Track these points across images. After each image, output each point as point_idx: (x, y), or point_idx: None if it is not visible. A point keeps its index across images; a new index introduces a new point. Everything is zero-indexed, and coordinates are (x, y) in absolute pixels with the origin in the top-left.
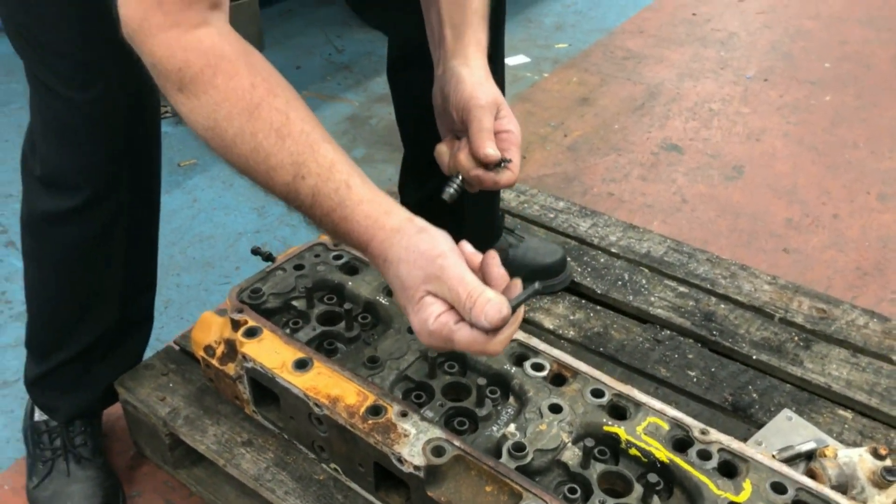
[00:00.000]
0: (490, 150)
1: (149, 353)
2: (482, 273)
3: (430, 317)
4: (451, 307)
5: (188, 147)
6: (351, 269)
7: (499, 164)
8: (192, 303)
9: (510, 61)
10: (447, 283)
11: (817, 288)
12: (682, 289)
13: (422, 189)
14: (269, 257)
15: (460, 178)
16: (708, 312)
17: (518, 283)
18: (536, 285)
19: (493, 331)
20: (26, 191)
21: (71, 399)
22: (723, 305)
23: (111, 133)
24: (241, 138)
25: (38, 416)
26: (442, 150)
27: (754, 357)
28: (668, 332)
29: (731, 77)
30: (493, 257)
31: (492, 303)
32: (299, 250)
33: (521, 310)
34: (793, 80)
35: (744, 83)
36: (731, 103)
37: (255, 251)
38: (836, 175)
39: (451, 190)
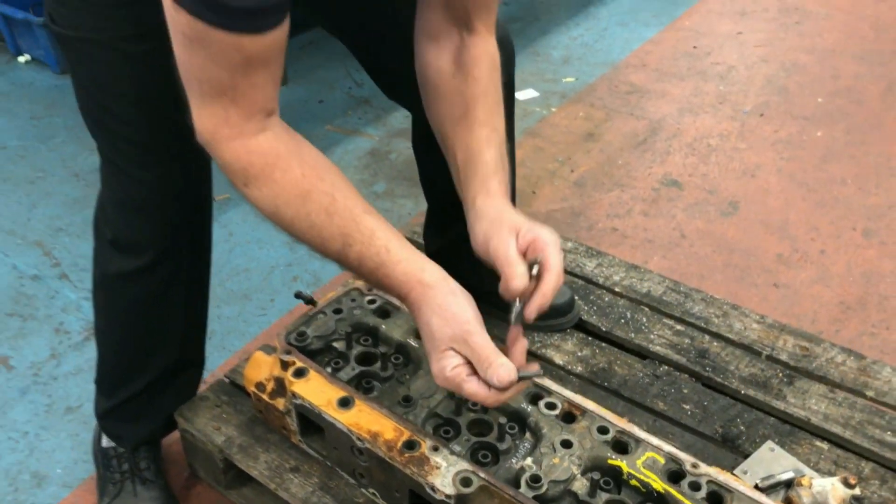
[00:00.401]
0: (514, 283)
1: None
2: (508, 344)
3: (448, 367)
4: (468, 362)
5: (221, 182)
6: (384, 312)
7: (537, 279)
8: (233, 333)
9: (520, 95)
10: (471, 347)
11: (804, 321)
12: (679, 327)
13: (444, 236)
14: (310, 301)
15: (521, 302)
16: (702, 350)
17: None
18: (541, 371)
19: (500, 390)
20: (98, 252)
21: (136, 429)
22: (715, 343)
23: (172, 205)
24: (298, 219)
25: (106, 442)
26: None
27: (742, 392)
28: (666, 367)
29: (729, 112)
30: (522, 343)
31: (504, 367)
32: (337, 295)
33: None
34: (787, 116)
35: (741, 118)
36: (729, 139)
37: (298, 295)
38: (824, 211)
39: (512, 315)
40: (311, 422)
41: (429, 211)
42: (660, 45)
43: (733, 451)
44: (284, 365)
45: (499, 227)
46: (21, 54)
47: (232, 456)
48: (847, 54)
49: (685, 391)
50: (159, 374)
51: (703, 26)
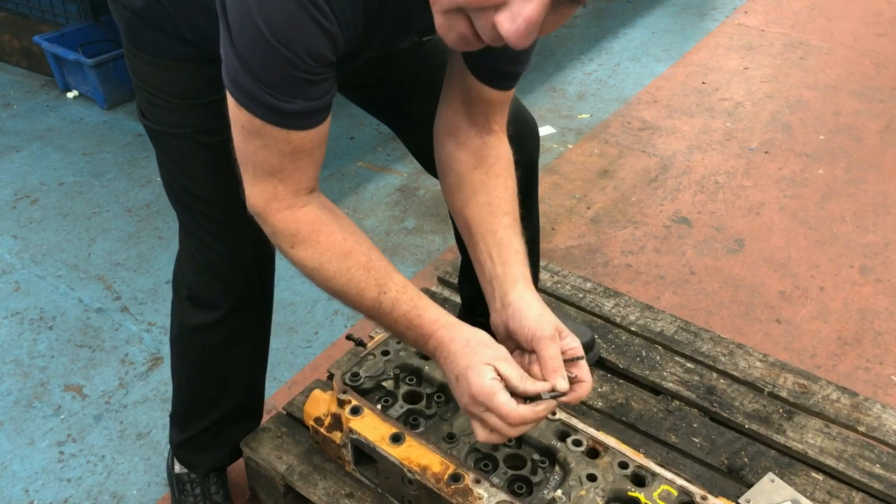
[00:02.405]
0: (562, 383)
1: None
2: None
3: (487, 377)
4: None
5: None
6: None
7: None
8: (282, 365)
9: (539, 132)
10: (511, 366)
11: (804, 356)
12: (689, 365)
13: (475, 286)
14: (360, 343)
15: (543, 398)
16: (710, 386)
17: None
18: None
19: (532, 401)
20: (175, 306)
21: (207, 457)
22: (722, 380)
23: (243, 270)
24: (339, 273)
25: (179, 468)
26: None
27: (747, 426)
28: (678, 402)
29: (735, 149)
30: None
31: (543, 383)
32: (384, 338)
33: (546, 407)
34: (790, 153)
35: (747, 155)
36: (735, 176)
37: (350, 337)
38: (824, 249)
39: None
40: (364, 453)
41: (463, 260)
42: (670, 80)
43: (738, 481)
44: (341, 403)
45: (542, 329)
46: (70, 90)
47: (294, 483)
48: (847, 91)
49: (695, 425)
50: (227, 411)
51: (711, 61)
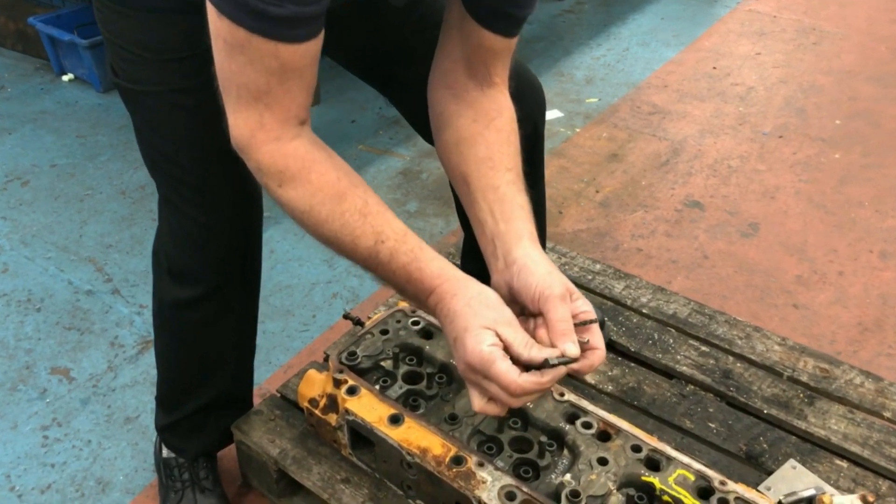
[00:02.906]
0: (569, 346)
1: None
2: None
3: (486, 341)
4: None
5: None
6: (427, 333)
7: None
8: (278, 348)
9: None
10: (514, 330)
11: (822, 342)
12: (703, 348)
13: (479, 262)
14: (357, 322)
15: (550, 364)
16: (726, 370)
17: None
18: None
19: (536, 370)
20: (156, 281)
21: (195, 441)
22: (739, 364)
23: (224, 243)
24: (332, 218)
25: (166, 452)
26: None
27: (765, 411)
28: (692, 387)
29: (748, 134)
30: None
31: (550, 349)
32: (383, 316)
33: (552, 377)
34: (805, 138)
35: (760, 140)
36: (749, 160)
37: (347, 316)
38: (842, 233)
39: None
40: (360, 436)
41: (466, 237)
42: (681, 65)
43: (757, 468)
44: (337, 383)
45: (550, 287)
46: (65, 73)
47: (287, 467)
48: (863, 76)
49: (711, 410)
50: (215, 394)
51: (722, 47)
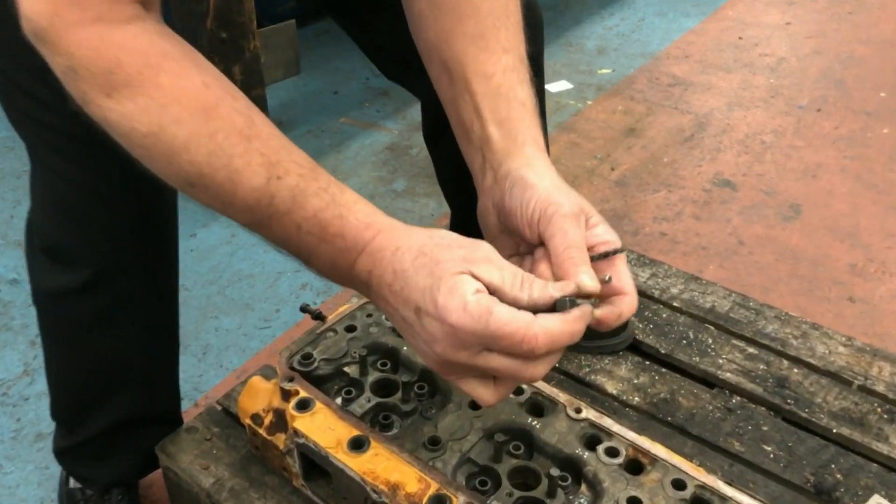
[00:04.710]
0: (584, 277)
1: (187, 405)
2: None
3: (467, 291)
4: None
5: None
6: None
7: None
8: (232, 349)
9: (552, 87)
10: (496, 264)
11: (889, 342)
12: (751, 350)
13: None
14: (318, 316)
15: (566, 301)
16: (780, 377)
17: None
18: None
19: (547, 311)
20: (30, 262)
21: (105, 469)
22: (796, 370)
23: (109, 210)
24: (195, 142)
25: (74, 482)
26: None
27: (834, 430)
28: (739, 398)
29: (782, 107)
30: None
31: (561, 283)
32: (351, 309)
33: (579, 318)
34: (847, 111)
35: (796, 113)
36: (784, 136)
37: (304, 309)
38: None
39: None
40: (317, 463)
41: (452, 216)
42: (702, 35)
43: None
44: (285, 394)
45: (556, 204)
46: None
47: (221, 502)
48: None
49: (765, 428)
50: (123, 413)
51: (748, 16)
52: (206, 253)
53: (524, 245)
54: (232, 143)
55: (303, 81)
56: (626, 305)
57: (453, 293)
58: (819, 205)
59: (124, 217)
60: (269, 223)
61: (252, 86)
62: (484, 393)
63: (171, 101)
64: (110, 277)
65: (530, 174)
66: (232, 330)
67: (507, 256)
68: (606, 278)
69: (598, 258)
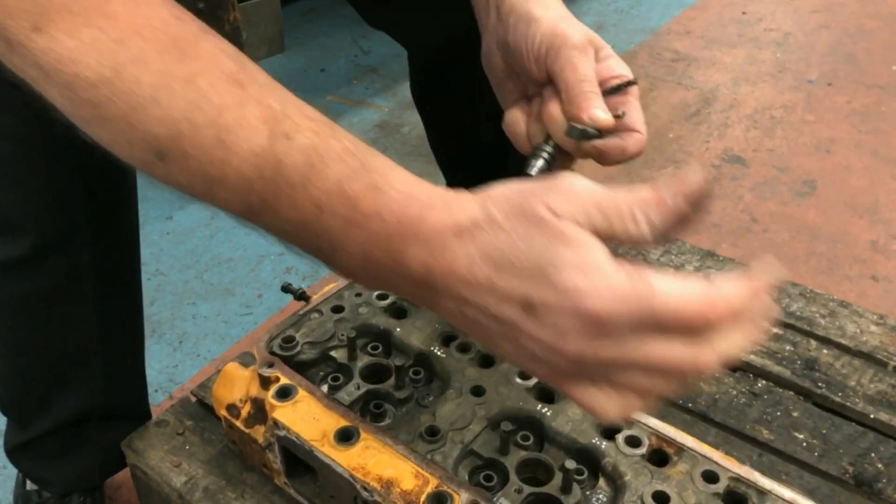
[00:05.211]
0: (597, 111)
1: (161, 397)
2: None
3: (607, 265)
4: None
5: None
6: (398, 311)
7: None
8: (210, 336)
9: None
10: (588, 202)
11: None
12: (776, 330)
13: None
14: (302, 296)
15: (552, 144)
16: (809, 359)
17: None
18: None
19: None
20: None
21: (64, 468)
22: (825, 350)
23: (50, 167)
24: (167, 89)
25: (31, 484)
26: (515, 118)
27: (872, 416)
28: (765, 382)
29: (791, 81)
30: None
31: (661, 185)
32: (338, 288)
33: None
34: (859, 85)
35: (806, 88)
36: (795, 110)
37: (286, 289)
38: None
39: (539, 162)
40: (301, 459)
41: (447, 185)
42: (704, 11)
43: (873, 497)
44: (264, 381)
45: (563, 36)
46: None
47: (193, 503)
48: None
49: (795, 414)
50: (80, 407)
51: None
52: (183, 236)
53: (532, 86)
54: (220, 91)
55: (288, 59)
56: (632, 141)
57: (587, 270)
58: (835, 180)
59: (70, 177)
60: (276, 203)
61: None
62: (613, 404)
63: (129, 33)
64: (56, 249)
65: (535, 7)
66: (211, 317)
67: (515, 101)
68: (620, 112)
69: (611, 92)
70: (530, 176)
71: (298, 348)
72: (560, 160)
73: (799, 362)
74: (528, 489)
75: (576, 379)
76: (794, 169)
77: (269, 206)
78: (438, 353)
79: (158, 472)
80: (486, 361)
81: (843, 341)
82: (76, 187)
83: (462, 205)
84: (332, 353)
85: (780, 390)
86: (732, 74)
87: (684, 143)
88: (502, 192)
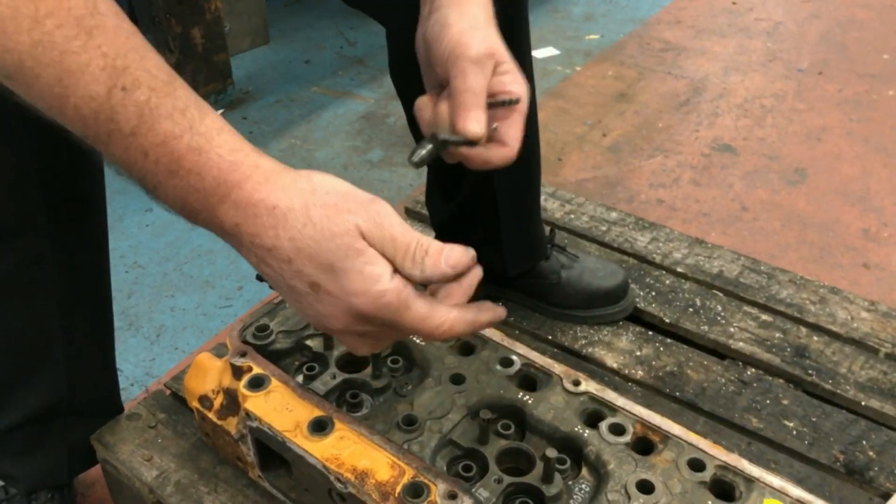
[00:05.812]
0: (472, 125)
1: (137, 391)
2: None
3: (381, 281)
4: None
5: None
6: None
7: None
8: (189, 329)
9: (538, 54)
10: (388, 232)
11: None
12: (764, 317)
13: (452, 200)
14: None
15: (439, 139)
16: (799, 346)
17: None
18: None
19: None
20: None
21: (30, 465)
22: (815, 337)
23: (6, 150)
24: (15, 24)
25: None
26: (422, 104)
27: (863, 403)
28: (755, 370)
29: (781, 70)
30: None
31: (450, 247)
32: None
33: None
34: (850, 74)
35: (796, 77)
36: (785, 99)
37: (261, 278)
38: None
39: (421, 152)
40: (274, 451)
41: (429, 172)
42: (694, 1)
43: (864, 486)
44: (237, 371)
45: (464, 45)
46: None
47: (165, 499)
48: None
49: (785, 402)
50: (44, 401)
51: None
52: (163, 228)
53: (443, 81)
54: (66, 35)
55: (272, 51)
56: (497, 154)
57: (364, 280)
58: (826, 168)
59: (23, 155)
60: (108, 142)
61: (214, 51)
62: (362, 346)
63: None
64: (12, 234)
65: (452, 13)
66: (189, 309)
67: (433, 88)
68: (493, 126)
69: (495, 105)
70: (413, 162)
71: (273, 337)
72: (445, 153)
73: (789, 349)
74: (508, 479)
75: (339, 334)
76: (785, 157)
77: (102, 143)
78: (417, 340)
79: (129, 466)
80: (467, 349)
81: (833, 328)
82: (29, 169)
83: (284, 186)
84: (308, 342)
85: (770, 378)
86: (723, 64)
87: (674, 132)
88: (328, 189)
